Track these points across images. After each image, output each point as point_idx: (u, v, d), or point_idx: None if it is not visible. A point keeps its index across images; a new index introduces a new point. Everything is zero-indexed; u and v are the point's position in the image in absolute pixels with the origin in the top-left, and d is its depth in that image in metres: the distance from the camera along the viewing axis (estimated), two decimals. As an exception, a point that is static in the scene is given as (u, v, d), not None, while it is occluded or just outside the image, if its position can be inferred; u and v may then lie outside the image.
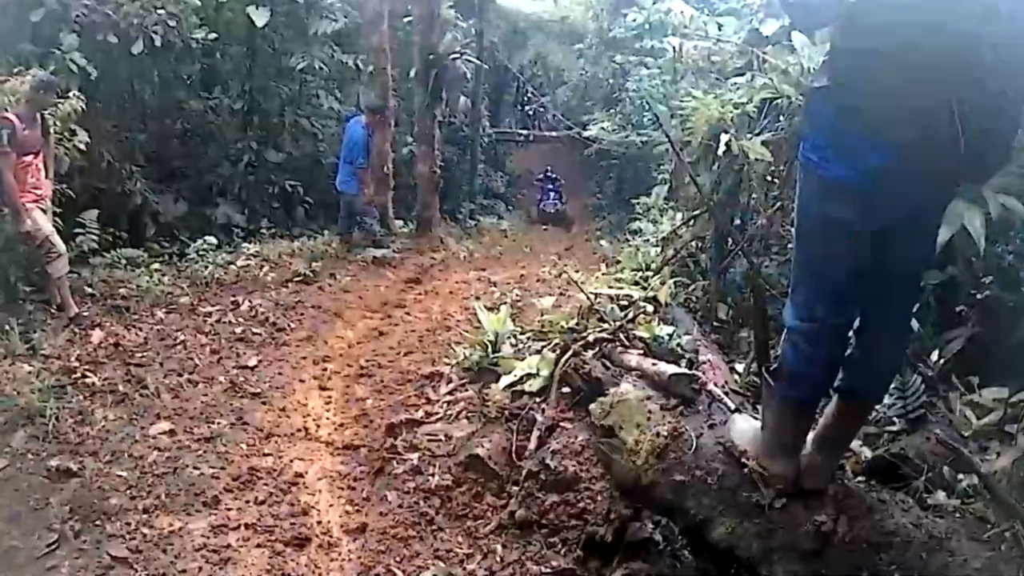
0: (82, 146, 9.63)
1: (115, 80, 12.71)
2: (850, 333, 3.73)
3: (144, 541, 4.85)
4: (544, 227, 22.69)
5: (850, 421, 3.83)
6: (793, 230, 3.74)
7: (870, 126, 3.15)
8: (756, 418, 4.22)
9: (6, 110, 8.17)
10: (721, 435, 4.32)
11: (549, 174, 24.33)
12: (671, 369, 5.10)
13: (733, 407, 4.72)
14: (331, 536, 5.13)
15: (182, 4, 12.15)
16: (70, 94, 9.47)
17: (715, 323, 7.52)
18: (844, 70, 3.24)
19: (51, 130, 8.67)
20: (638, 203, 11.96)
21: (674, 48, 10.92)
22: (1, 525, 4.97)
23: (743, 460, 3.99)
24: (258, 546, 4.94)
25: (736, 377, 6.08)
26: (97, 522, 5.01)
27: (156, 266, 10.79)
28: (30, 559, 4.70)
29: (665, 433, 4.38)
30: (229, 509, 5.35)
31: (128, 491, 5.41)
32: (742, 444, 4.07)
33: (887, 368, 3.84)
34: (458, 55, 15.44)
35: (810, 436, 3.89)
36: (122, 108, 13.44)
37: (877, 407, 4.91)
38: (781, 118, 7.14)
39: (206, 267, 11.05)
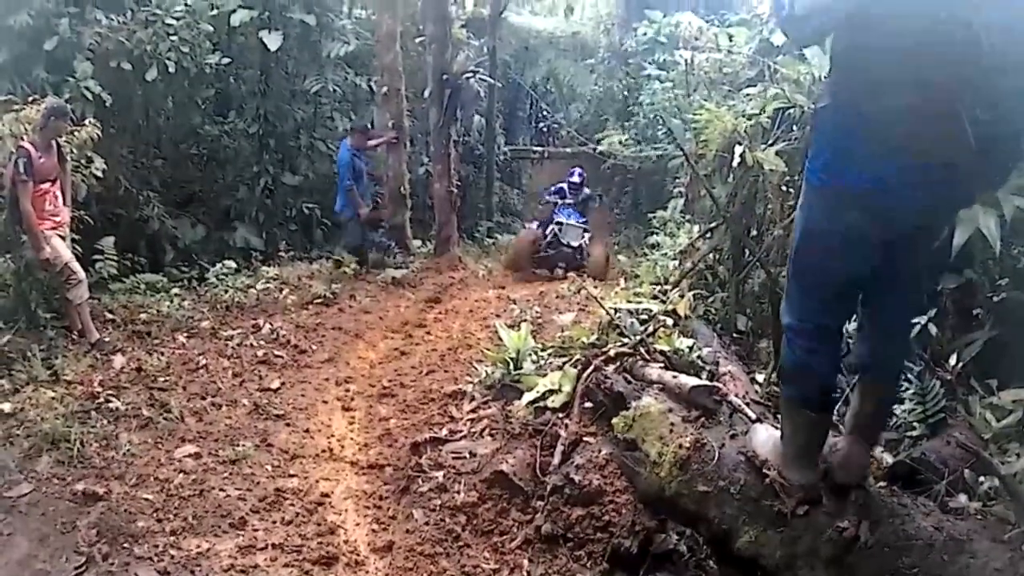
0: (99, 173, 9.73)
1: (130, 107, 12.80)
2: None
3: (172, 563, 4.87)
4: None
5: (873, 403, 3.80)
6: (792, 239, 3.77)
7: (879, 137, 3.17)
8: (776, 427, 4.23)
9: (22, 138, 8.27)
10: (743, 445, 4.34)
11: (572, 180, 16.77)
12: (692, 381, 5.12)
13: (754, 417, 4.75)
14: (358, 555, 5.13)
15: (195, 30, 12.27)
16: (86, 121, 9.57)
17: (734, 334, 7.53)
18: (849, 83, 3.27)
19: (67, 157, 8.75)
20: (655, 217, 11.99)
21: (686, 61, 10.97)
22: (29, 548, 5.01)
23: (764, 470, 4.01)
24: (286, 566, 4.95)
25: (756, 387, 6.10)
26: (125, 544, 5.03)
27: (176, 291, 10.89)
28: (59, 583, 4.76)
29: (687, 444, 4.42)
30: (256, 530, 5.36)
31: (155, 514, 5.43)
32: (763, 453, 4.09)
33: (896, 353, 3.89)
34: (471, 74, 15.51)
35: (843, 429, 3.91)
36: (138, 134, 13.51)
37: (897, 412, 4.95)
38: (794, 128, 7.16)
39: (226, 291, 11.10)
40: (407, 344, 9.91)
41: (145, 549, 5.00)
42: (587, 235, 16.17)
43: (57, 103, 8.59)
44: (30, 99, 9.20)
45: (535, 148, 26.50)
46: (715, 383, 5.18)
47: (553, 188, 17.37)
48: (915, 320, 4.59)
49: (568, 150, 24.73)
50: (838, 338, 3.76)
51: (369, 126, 14.56)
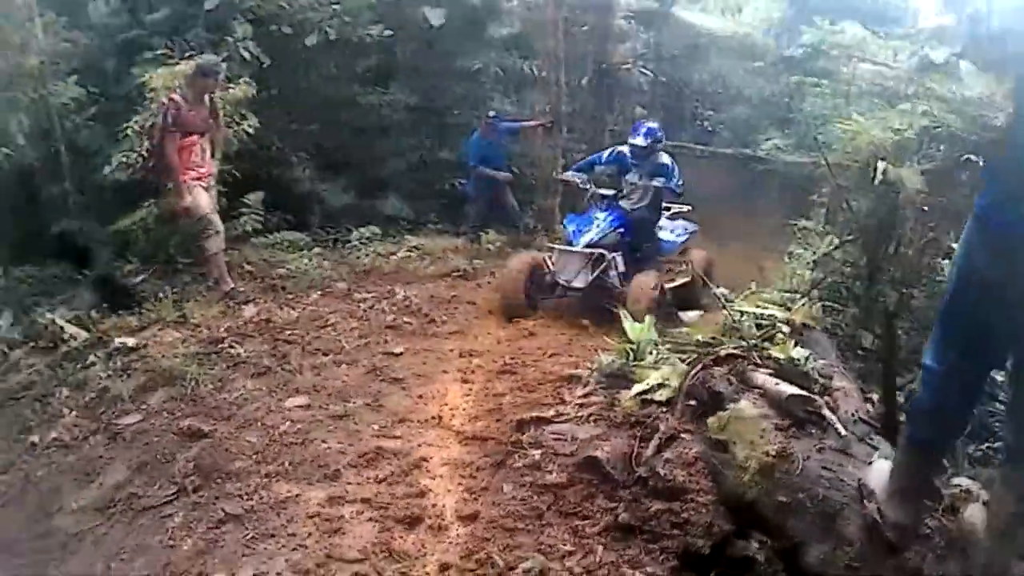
0: (251, 131, 10.06)
1: (288, 70, 13.23)
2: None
3: (260, 503, 5.05)
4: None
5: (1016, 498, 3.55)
6: (948, 274, 3.67)
7: None
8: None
9: (174, 91, 8.62)
10: (825, 460, 4.36)
11: (635, 141, 10.53)
12: (790, 389, 5.11)
13: (843, 433, 4.71)
14: (443, 520, 5.20)
15: (356, 1, 12.55)
16: (240, 80, 9.89)
17: (858, 351, 7.42)
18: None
19: (219, 113, 9.07)
20: (796, 225, 11.87)
21: (845, 71, 10.80)
22: (126, 473, 5.31)
23: (866, 500, 3.97)
24: (370, 520, 5.06)
25: (869, 407, 6.02)
26: (218, 480, 5.25)
27: (317, 251, 11.26)
28: (148, 506, 5.01)
29: (773, 452, 4.44)
30: (349, 483, 5.49)
31: (254, 456, 5.63)
32: (872, 484, 4.06)
33: None
34: (630, 65, 15.47)
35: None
36: (295, 98, 13.92)
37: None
38: (940, 148, 7.01)
39: (367, 255, 11.36)
40: (538, 325, 9.82)
41: (237, 487, 5.20)
42: (616, 259, 10.27)
43: (205, 62, 8.94)
44: (186, 55, 9.59)
45: (695, 146, 26.20)
46: (812, 395, 5.14)
47: (584, 160, 11.66)
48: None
49: (728, 151, 24.33)
50: (973, 389, 3.71)
51: (496, 115, 14.31)
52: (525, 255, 10.61)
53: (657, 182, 10.40)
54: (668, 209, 11.37)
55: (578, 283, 9.97)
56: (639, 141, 10.49)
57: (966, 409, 3.76)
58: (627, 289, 9.48)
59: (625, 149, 10.73)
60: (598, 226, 10.16)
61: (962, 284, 3.49)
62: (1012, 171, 3.21)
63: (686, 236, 11.49)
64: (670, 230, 11.23)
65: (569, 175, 11.33)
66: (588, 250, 9.97)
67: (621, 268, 10.19)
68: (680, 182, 10.68)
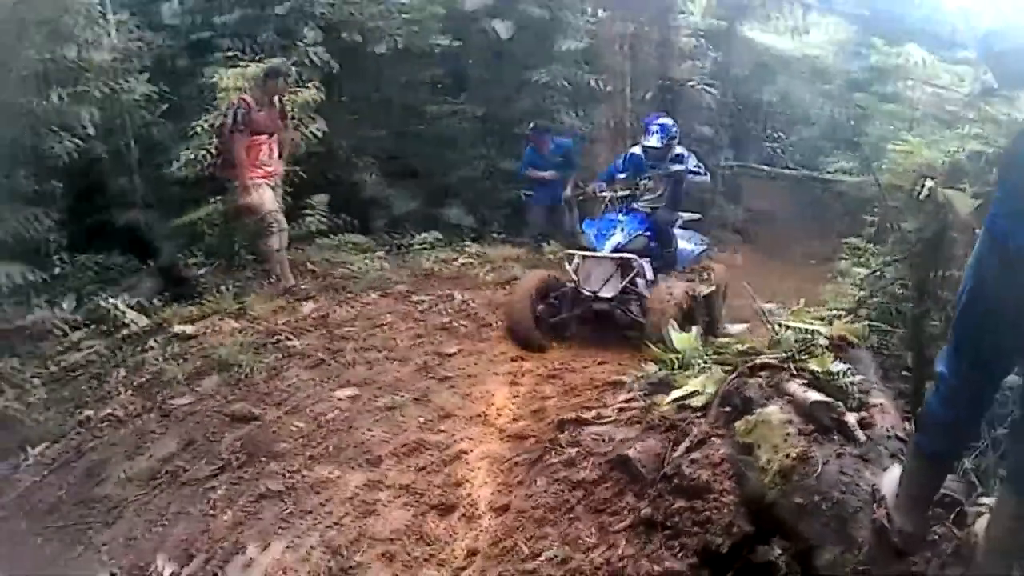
0: (318, 134, 10.32)
1: (357, 77, 13.57)
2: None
3: (301, 482, 5.28)
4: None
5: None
6: (962, 284, 3.74)
7: None
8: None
9: (244, 93, 8.93)
10: (844, 465, 4.45)
11: (648, 142, 9.65)
12: (814, 396, 5.21)
13: (863, 440, 4.81)
14: (476, 509, 5.38)
15: (426, 11, 12.78)
16: (308, 84, 10.17)
17: (903, 371, 7.47)
18: None
19: (288, 114, 9.35)
20: (847, 244, 11.88)
21: (911, 95, 10.82)
22: (174, 448, 5.57)
23: (876, 505, 4.08)
24: (405, 505, 5.25)
25: (906, 425, 6.09)
26: (262, 459, 5.49)
27: (379, 254, 11.37)
28: (192, 479, 5.26)
29: (794, 455, 4.54)
30: (388, 470, 5.67)
31: (300, 440, 5.86)
32: (884, 490, 4.14)
33: None
34: (693, 83, 15.53)
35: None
36: (362, 104, 14.27)
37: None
38: (992, 170, 7.06)
39: (428, 260, 11.50)
40: (590, 333, 9.78)
41: (280, 467, 5.43)
42: (644, 265, 9.29)
43: (275, 65, 9.29)
44: (256, 57, 9.90)
45: (762, 167, 25.94)
46: (836, 402, 5.23)
47: (606, 171, 10.54)
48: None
49: (795, 172, 24.06)
50: (984, 400, 3.75)
51: (534, 126, 14.01)
52: (532, 274, 9.89)
53: (674, 166, 9.57)
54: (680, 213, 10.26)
55: (606, 292, 9.07)
56: (653, 142, 9.60)
57: (976, 419, 3.82)
58: (654, 297, 8.59)
59: (638, 150, 9.91)
60: (622, 229, 9.25)
61: (973, 295, 3.53)
62: (1017, 184, 3.31)
63: (703, 248, 10.58)
64: (687, 239, 10.17)
65: (596, 186, 10.20)
66: (616, 255, 9.08)
67: (650, 275, 9.30)
68: (703, 168, 10.07)
